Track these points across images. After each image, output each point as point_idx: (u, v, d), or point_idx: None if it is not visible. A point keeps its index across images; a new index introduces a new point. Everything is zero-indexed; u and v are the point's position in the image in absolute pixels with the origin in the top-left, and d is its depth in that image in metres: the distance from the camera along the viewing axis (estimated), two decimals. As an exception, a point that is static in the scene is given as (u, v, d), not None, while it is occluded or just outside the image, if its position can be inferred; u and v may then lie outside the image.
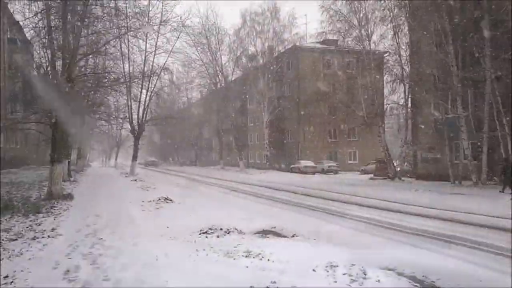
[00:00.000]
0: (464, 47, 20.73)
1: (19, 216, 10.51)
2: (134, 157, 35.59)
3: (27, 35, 18.58)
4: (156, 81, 34.26)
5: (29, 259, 6.55)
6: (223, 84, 50.36)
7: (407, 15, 25.14)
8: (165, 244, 7.61)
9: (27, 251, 7.03)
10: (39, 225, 9.44)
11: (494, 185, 19.89)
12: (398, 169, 29.26)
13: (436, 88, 22.88)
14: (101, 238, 8.07)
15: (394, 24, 26.53)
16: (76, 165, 38.06)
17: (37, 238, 8.04)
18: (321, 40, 32.38)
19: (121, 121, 35.48)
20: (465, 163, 21.50)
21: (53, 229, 8.90)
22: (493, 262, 6.62)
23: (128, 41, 28.62)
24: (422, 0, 22.91)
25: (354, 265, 6.05)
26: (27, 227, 9.08)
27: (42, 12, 14.67)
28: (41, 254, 6.85)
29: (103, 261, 6.44)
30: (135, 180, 26.88)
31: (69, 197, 14.86)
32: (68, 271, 5.94)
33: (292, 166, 41.49)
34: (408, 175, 28.98)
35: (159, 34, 30.20)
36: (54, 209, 11.96)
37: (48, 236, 8.22)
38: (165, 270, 5.92)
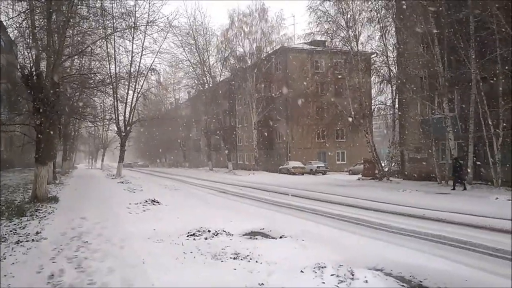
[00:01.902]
0: (449, 48, 20.96)
1: (3, 219, 10.28)
2: (121, 159, 35.28)
3: (10, 35, 18.29)
4: (143, 82, 34.06)
5: (13, 263, 6.41)
6: (211, 85, 50.22)
7: (394, 16, 25.32)
8: (152, 247, 7.52)
9: (10, 255, 6.88)
10: (23, 228, 9.27)
11: (480, 184, 20.16)
12: (386, 169, 29.47)
13: (423, 89, 23.10)
14: (87, 241, 7.94)
15: (381, 25, 26.69)
16: (62, 167, 37.59)
17: (21, 242, 7.88)
18: (309, 41, 32.41)
19: (107, 122, 35.11)
20: (451, 163, 21.72)
21: (37, 233, 8.74)
22: (479, 261, 6.68)
23: (115, 41, 28.44)
24: (409, 2, 23.10)
25: (342, 265, 6.04)
26: (10, 231, 8.90)
27: (26, 11, 14.43)
28: (25, 258, 6.72)
29: (88, 264, 6.34)
30: (122, 182, 26.66)
31: (54, 199, 14.64)
32: (52, 275, 5.84)
33: (280, 167, 41.56)
34: (396, 175, 29.22)
35: (146, 35, 30.04)
36: (39, 212, 11.76)
37: (32, 240, 8.07)
38: (152, 273, 5.85)
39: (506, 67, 18.21)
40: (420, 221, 10.90)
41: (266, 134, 46.98)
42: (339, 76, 30.46)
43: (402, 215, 12.06)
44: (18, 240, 7.97)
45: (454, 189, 19.53)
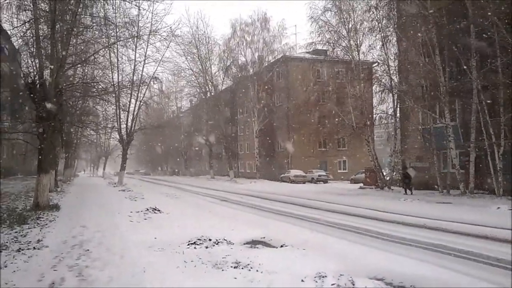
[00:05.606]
0: (450, 58, 21.03)
1: (4, 227, 10.30)
2: (122, 167, 35.30)
3: (15, 44, 18.47)
4: (145, 90, 34.28)
5: (14, 271, 6.42)
6: (213, 93, 50.40)
7: (395, 26, 25.45)
8: (153, 255, 7.52)
9: (11, 263, 6.89)
10: (25, 236, 9.28)
11: (482, 194, 20.09)
12: (388, 178, 29.40)
13: (424, 98, 23.12)
14: (88, 250, 7.95)
15: (382, 35, 26.79)
16: (64, 175, 37.67)
17: (22, 249, 7.89)
18: (311, 50, 32.61)
19: (109, 130, 35.26)
20: (453, 172, 21.70)
21: (38, 241, 8.75)
22: (480, 271, 6.65)
23: (117, 50, 28.62)
24: (410, 12, 23.21)
25: (342, 275, 6.04)
26: (12, 239, 8.90)
27: (31, 21, 14.58)
28: (26, 266, 6.73)
29: (89, 273, 6.34)
30: (123, 190, 26.66)
31: (55, 207, 14.65)
32: (53, 283, 5.85)
33: (282, 175, 41.52)
34: (397, 184, 29.12)
35: (149, 44, 30.27)
36: (40, 220, 11.77)
37: (34, 248, 8.07)
38: (153, 282, 5.85)
39: (507, 77, 18.24)
40: (420, 230, 10.86)
41: (267, 142, 47.04)
42: (341, 85, 30.55)
43: (403, 224, 12.02)
44: (20, 248, 7.98)
45: (406, 193, 22.78)
